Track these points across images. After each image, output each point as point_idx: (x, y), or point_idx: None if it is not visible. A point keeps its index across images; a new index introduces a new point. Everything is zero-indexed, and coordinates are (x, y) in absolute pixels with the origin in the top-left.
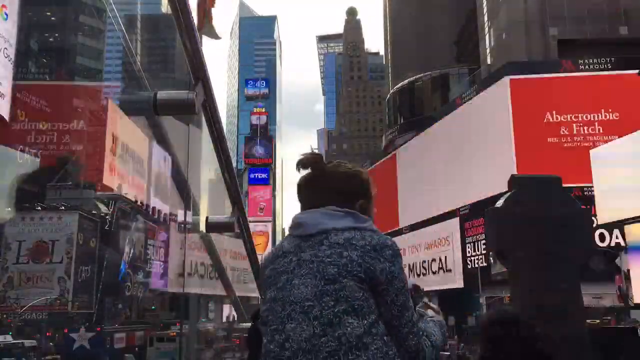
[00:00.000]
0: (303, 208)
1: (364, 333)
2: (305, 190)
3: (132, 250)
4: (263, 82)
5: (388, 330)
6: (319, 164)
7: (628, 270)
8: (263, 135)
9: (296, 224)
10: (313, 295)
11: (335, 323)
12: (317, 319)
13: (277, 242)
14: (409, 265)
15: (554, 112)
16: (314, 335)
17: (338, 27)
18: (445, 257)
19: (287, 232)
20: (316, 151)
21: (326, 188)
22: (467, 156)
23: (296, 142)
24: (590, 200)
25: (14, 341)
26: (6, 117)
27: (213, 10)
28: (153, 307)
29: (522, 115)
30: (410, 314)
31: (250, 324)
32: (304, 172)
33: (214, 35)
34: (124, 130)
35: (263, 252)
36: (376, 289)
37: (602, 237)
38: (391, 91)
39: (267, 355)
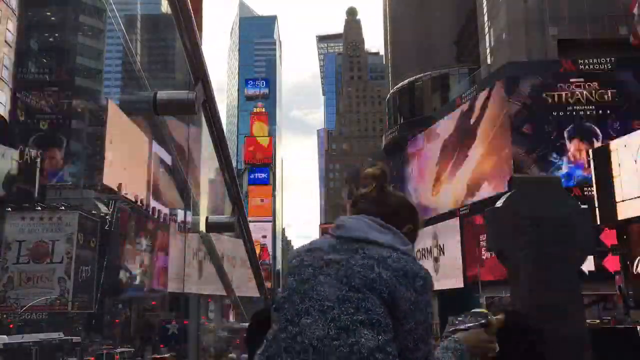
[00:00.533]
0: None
1: (377, 348)
2: (363, 202)
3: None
4: (263, 82)
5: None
6: (382, 180)
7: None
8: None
9: (339, 225)
10: (335, 297)
11: (351, 330)
12: (334, 322)
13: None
14: None
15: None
16: (327, 337)
17: (338, 27)
18: (446, 257)
19: (287, 232)
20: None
21: (383, 204)
22: (467, 156)
23: (296, 142)
24: (590, 200)
25: (65, 337)
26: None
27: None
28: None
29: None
30: (427, 351)
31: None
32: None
33: None
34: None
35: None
36: (395, 314)
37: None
38: (391, 91)
39: (276, 341)
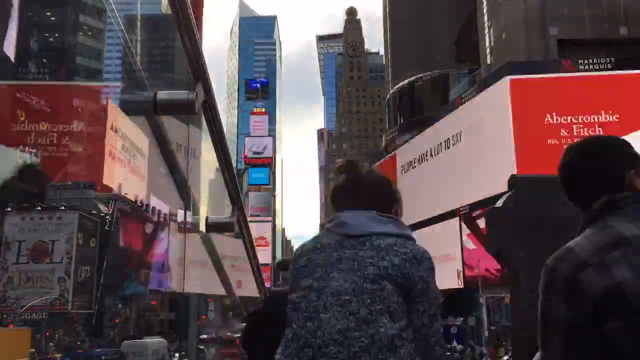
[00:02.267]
0: (339, 211)
1: (396, 335)
2: (341, 195)
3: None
4: (263, 82)
5: (415, 338)
6: (354, 169)
7: None
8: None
9: (339, 223)
10: (352, 290)
11: (370, 321)
12: (353, 314)
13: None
14: None
15: (554, 113)
16: (348, 329)
17: (338, 27)
18: (446, 256)
19: (287, 232)
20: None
21: (361, 193)
22: (467, 156)
23: (296, 142)
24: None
25: (162, 339)
26: None
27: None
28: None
29: (522, 116)
30: (439, 326)
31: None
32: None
33: None
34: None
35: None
36: (410, 295)
37: None
38: (391, 91)
39: (295, 339)
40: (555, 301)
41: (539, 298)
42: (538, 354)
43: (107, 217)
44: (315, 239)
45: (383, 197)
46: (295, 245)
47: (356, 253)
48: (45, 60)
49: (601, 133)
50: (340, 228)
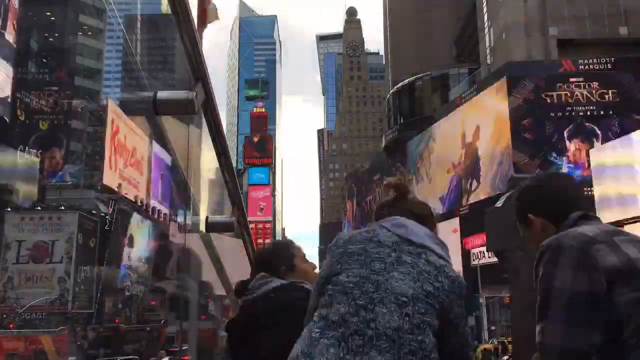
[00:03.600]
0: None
1: (434, 349)
2: (389, 210)
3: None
4: (263, 82)
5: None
6: (404, 187)
7: None
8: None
9: (399, 224)
10: (410, 295)
11: (422, 328)
12: (408, 317)
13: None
14: None
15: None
16: (402, 329)
17: (338, 27)
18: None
19: (287, 233)
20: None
21: (407, 210)
22: (467, 155)
23: (296, 142)
24: (590, 200)
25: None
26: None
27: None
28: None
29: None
30: (469, 349)
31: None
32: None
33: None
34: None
35: None
36: (446, 319)
37: None
38: (391, 91)
39: (343, 324)
40: (561, 273)
41: (537, 275)
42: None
43: (107, 217)
44: (369, 231)
45: (424, 219)
46: None
47: (416, 263)
48: (45, 60)
49: None
50: (397, 228)
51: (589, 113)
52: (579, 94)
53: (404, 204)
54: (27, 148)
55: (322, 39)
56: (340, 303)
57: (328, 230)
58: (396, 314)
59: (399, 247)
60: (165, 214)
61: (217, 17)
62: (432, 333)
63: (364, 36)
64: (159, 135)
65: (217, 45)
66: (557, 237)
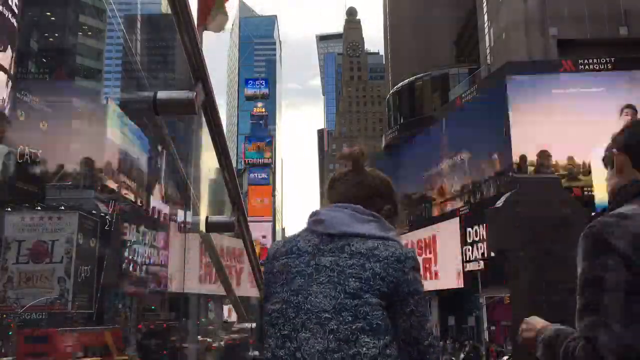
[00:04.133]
0: (332, 203)
1: (379, 354)
2: (340, 184)
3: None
4: (263, 82)
5: (406, 345)
6: (360, 160)
7: None
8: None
9: (317, 220)
10: (332, 307)
11: (352, 340)
12: (333, 333)
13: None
14: None
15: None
16: (328, 350)
17: (338, 27)
18: (445, 257)
19: (286, 232)
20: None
21: (361, 184)
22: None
23: (296, 142)
24: (590, 200)
25: None
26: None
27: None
28: (153, 307)
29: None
30: (430, 327)
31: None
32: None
33: (218, 26)
34: None
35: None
36: (396, 299)
37: None
38: (391, 91)
39: (274, 359)
40: (615, 264)
41: (582, 263)
42: (583, 321)
43: (107, 217)
44: (291, 239)
45: (382, 194)
46: None
47: (335, 261)
48: (45, 60)
49: None
50: (317, 225)
51: None
52: None
53: (356, 177)
54: (27, 148)
55: (322, 39)
56: (271, 337)
57: None
58: (319, 335)
59: (318, 250)
60: (165, 214)
61: (223, 28)
62: (375, 336)
63: (364, 36)
64: (159, 135)
65: (217, 45)
66: (604, 224)
